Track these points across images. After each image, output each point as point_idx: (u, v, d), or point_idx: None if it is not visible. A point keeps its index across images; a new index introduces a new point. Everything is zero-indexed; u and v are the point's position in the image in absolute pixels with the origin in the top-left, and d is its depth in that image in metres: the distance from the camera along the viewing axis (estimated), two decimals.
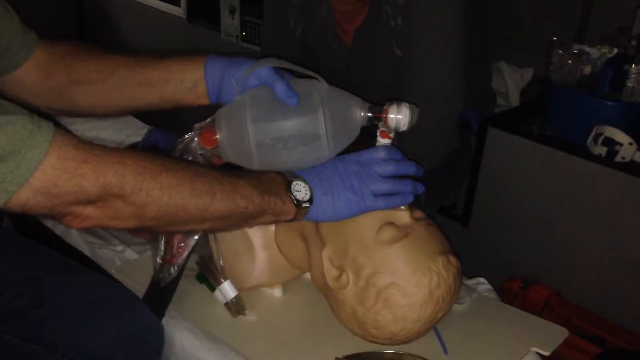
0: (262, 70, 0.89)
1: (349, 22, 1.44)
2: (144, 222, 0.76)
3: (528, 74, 1.93)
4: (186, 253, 0.96)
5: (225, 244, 1.02)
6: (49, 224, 1.30)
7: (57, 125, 0.69)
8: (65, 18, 3.16)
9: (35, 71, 0.97)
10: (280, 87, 0.87)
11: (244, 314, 0.99)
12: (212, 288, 1.00)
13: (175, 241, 0.96)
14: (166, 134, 1.49)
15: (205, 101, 0.95)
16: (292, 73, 0.92)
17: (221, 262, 1.01)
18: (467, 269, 1.11)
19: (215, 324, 0.98)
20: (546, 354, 0.96)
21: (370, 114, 0.89)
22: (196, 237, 0.96)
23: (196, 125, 0.90)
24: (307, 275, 1.03)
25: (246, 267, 1.01)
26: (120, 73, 0.95)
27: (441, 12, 1.33)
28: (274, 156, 0.87)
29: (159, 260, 0.96)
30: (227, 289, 0.99)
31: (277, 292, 1.05)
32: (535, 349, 0.96)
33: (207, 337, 0.96)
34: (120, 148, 0.75)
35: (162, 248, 0.97)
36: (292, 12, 1.49)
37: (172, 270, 0.96)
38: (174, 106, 0.97)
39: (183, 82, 0.94)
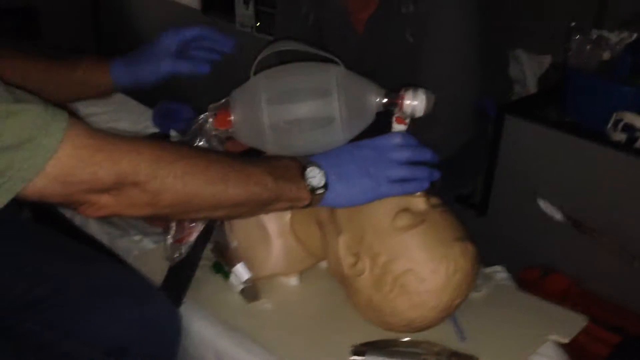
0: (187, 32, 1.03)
1: (362, 9, 1.43)
2: (159, 210, 0.77)
3: (546, 60, 1.89)
4: (196, 233, 0.97)
5: (241, 233, 1.02)
6: (68, 214, 1.31)
7: (72, 114, 0.70)
8: (80, 10, 3.17)
9: None
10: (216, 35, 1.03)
11: (258, 299, 0.99)
12: (228, 277, 1.01)
13: (186, 221, 0.96)
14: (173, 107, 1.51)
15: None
16: (309, 55, 0.91)
17: (235, 244, 1.01)
18: (484, 259, 1.09)
19: (231, 312, 0.99)
20: (565, 341, 0.95)
21: (386, 100, 0.89)
22: None
23: (211, 106, 0.90)
24: (323, 264, 1.04)
25: (262, 255, 1.01)
26: (32, 76, 1.00)
27: None
28: (288, 139, 0.87)
29: (170, 240, 0.97)
30: (241, 271, 0.99)
31: (293, 280, 1.05)
32: (553, 337, 0.95)
33: (224, 326, 0.97)
34: (135, 136, 0.75)
35: (174, 228, 0.97)
36: (304, 0, 1.48)
37: (182, 249, 0.97)
38: (87, 99, 1.12)
39: (92, 83, 1.06)
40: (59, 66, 1.05)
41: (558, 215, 1.35)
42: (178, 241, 0.98)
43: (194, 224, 0.97)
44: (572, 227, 1.34)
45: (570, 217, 1.33)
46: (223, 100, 0.90)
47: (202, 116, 0.90)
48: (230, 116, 0.88)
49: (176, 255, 0.98)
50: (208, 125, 0.89)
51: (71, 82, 1.05)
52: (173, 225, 0.97)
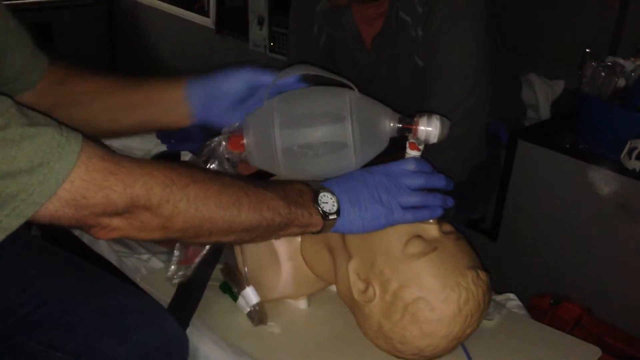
0: (288, 79, 0.91)
1: (368, 29, 1.43)
2: (170, 234, 0.76)
3: (559, 86, 1.89)
4: (199, 257, 0.97)
5: (251, 255, 1.01)
6: (77, 232, 1.31)
7: (86, 136, 0.70)
8: (96, 30, 3.21)
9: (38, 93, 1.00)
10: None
11: (265, 324, 0.98)
12: (236, 298, 1.00)
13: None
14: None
15: (190, 121, 0.97)
16: (323, 80, 0.91)
17: (246, 269, 1.00)
18: (495, 284, 1.08)
19: (239, 335, 0.98)
20: None
21: (400, 125, 0.88)
22: None
23: (224, 130, 0.91)
24: (333, 287, 1.02)
25: (271, 278, 1.00)
26: (103, 95, 0.98)
27: (461, 22, 1.30)
28: (299, 163, 0.87)
29: (175, 260, 0.97)
30: (250, 295, 0.98)
31: (301, 304, 1.04)
32: None
33: (232, 349, 0.96)
34: (148, 159, 0.75)
35: (177, 251, 0.98)
36: (316, 20, 1.49)
37: (186, 270, 0.97)
38: (158, 128, 1.01)
39: (163, 103, 0.96)
40: (130, 84, 0.98)
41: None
42: (183, 262, 0.98)
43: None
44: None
45: None
46: (237, 124, 0.90)
47: (216, 139, 0.90)
48: (243, 139, 0.88)
49: (179, 274, 0.98)
50: (221, 148, 0.89)
51: (141, 101, 0.97)
52: (177, 245, 0.97)
